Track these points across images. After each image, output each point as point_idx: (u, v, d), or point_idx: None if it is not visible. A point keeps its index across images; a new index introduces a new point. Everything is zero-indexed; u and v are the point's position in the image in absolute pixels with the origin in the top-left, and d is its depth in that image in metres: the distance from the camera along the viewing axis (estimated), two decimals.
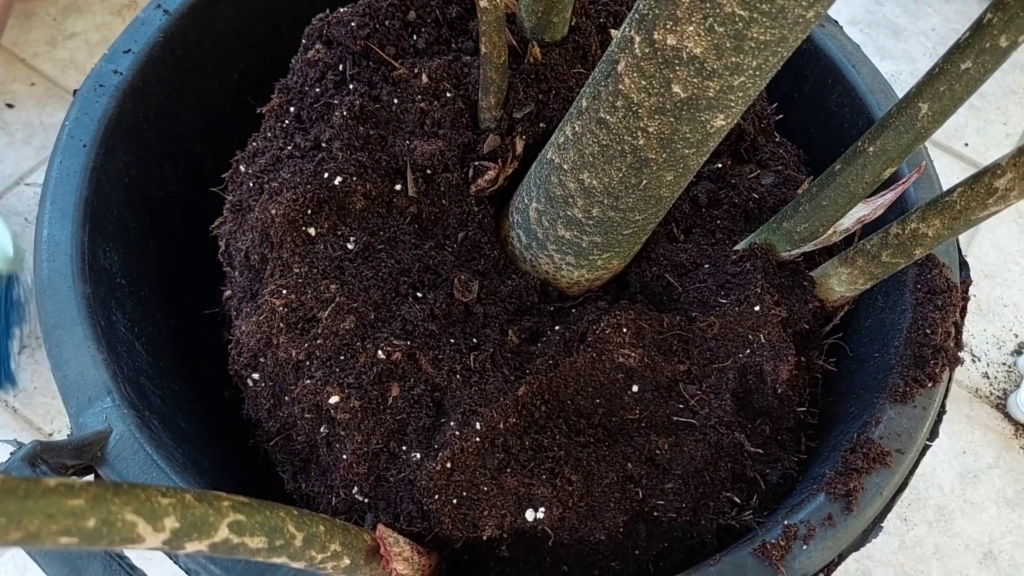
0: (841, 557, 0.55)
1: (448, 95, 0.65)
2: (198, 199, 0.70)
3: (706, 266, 0.68)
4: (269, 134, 0.65)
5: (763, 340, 0.63)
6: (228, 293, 0.66)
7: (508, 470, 0.55)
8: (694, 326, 0.63)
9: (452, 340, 0.59)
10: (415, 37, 0.67)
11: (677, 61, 0.46)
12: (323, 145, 0.62)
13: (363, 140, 0.63)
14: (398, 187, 0.64)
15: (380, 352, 0.56)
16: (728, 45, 0.45)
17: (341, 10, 0.65)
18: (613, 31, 0.71)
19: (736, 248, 0.68)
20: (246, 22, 0.77)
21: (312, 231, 0.59)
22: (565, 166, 0.57)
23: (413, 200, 0.64)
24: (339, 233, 0.60)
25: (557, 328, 0.63)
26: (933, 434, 0.61)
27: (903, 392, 0.60)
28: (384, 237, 0.62)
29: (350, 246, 0.60)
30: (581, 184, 0.57)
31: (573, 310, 0.66)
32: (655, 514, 0.58)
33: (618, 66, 0.50)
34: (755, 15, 0.43)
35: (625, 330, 0.63)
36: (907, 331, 0.63)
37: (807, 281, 0.66)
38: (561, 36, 0.67)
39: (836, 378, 0.69)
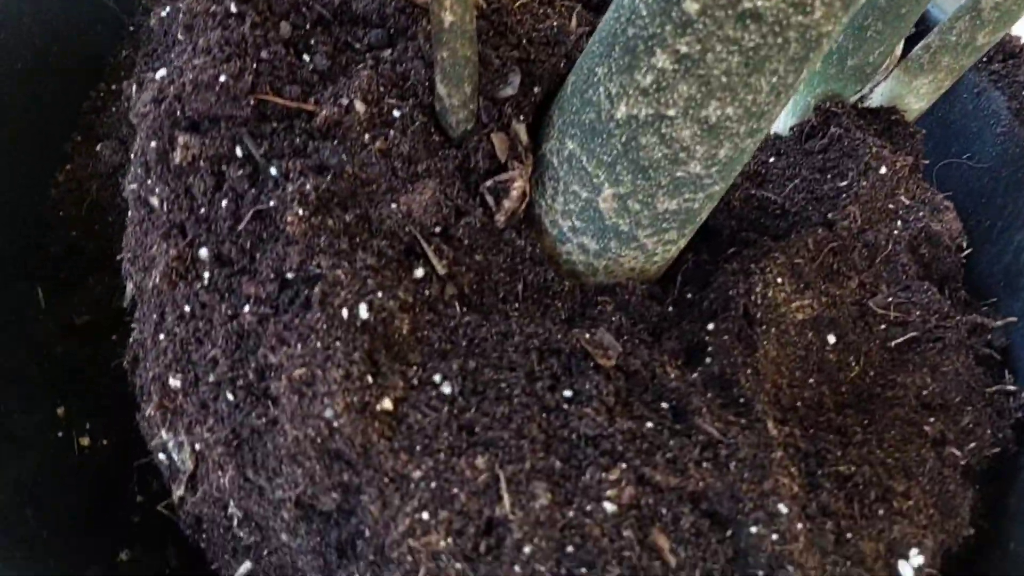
0: None
1: (397, 114, 0.43)
2: None
3: (773, 160, 0.54)
4: (175, 315, 0.39)
5: (906, 201, 0.51)
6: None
7: (845, 530, 0.39)
8: (837, 229, 0.49)
9: (650, 425, 0.39)
10: (309, 57, 0.42)
11: None
12: (299, 273, 0.38)
13: (347, 235, 0.39)
14: (419, 273, 0.41)
15: (608, 506, 0.36)
16: None
17: (184, 69, 0.39)
18: None
19: (791, 123, 0.54)
20: None
21: (389, 403, 0.36)
22: (670, 112, 0.39)
23: (446, 278, 0.42)
24: (420, 381, 0.37)
25: (710, 328, 0.45)
26: None
27: None
28: (464, 349, 0.40)
29: (447, 389, 0.37)
30: (704, 124, 0.39)
31: (692, 296, 0.49)
32: (973, 462, 0.44)
33: None
34: None
35: (781, 280, 0.47)
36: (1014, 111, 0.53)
37: (893, 113, 0.54)
38: None
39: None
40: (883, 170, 0.50)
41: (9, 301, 0.57)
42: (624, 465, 0.37)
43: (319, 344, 0.35)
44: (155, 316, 0.40)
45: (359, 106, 0.41)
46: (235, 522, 0.37)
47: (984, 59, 0.55)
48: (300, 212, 0.38)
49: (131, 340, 0.46)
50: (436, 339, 0.39)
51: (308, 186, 0.39)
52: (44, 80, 0.60)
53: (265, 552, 0.39)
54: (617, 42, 0.39)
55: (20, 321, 0.57)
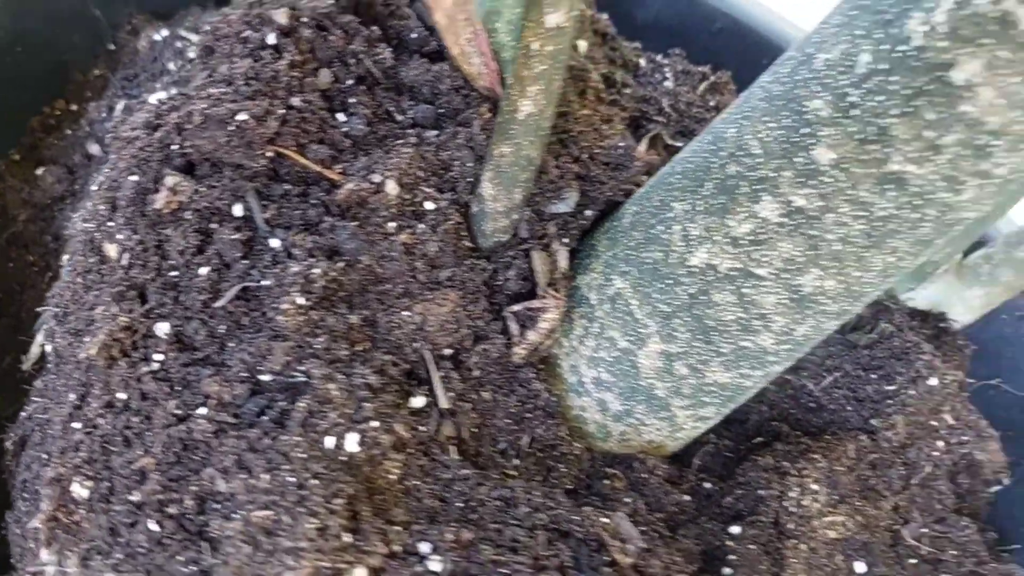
0: None
1: (431, 206, 0.36)
2: None
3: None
4: (102, 401, 0.29)
5: (951, 421, 0.46)
6: None
7: None
8: (880, 439, 0.44)
9: None
10: (346, 117, 0.35)
11: None
12: (279, 378, 0.29)
13: (348, 340, 0.31)
14: (418, 402, 0.33)
15: None
16: None
17: (194, 96, 0.31)
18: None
19: None
20: None
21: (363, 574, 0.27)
22: (760, 272, 0.33)
23: (447, 415, 0.34)
24: (404, 549, 0.29)
25: (734, 532, 0.39)
26: None
27: None
28: (458, 513, 0.31)
29: (435, 567, 0.29)
30: (795, 293, 0.33)
31: (712, 486, 0.42)
32: None
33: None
34: None
35: (816, 487, 0.41)
36: None
37: (941, 320, 0.49)
38: None
39: None
40: (933, 381, 0.45)
41: None
42: None
43: (293, 479, 0.26)
44: (73, 396, 0.30)
45: (391, 188, 0.34)
46: None
47: None
48: (300, 301, 0.30)
49: (23, 414, 0.36)
50: (427, 493, 0.31)
51: (316, 271, 0.31)
52: None
53: None
54: (710, 178, 0.33)
55: None
